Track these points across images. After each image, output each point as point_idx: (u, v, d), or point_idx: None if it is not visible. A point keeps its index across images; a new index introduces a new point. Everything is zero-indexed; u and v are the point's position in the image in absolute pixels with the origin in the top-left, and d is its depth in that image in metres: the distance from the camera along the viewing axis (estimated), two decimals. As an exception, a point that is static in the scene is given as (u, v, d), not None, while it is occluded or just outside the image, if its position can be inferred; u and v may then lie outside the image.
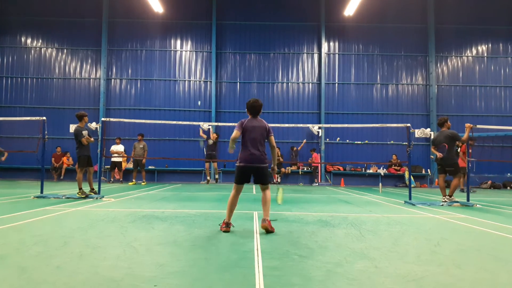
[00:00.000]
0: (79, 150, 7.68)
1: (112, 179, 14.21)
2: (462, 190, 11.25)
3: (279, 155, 14.75)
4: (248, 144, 4.11)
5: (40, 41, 15.96)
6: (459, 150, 10.84)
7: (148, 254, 2.95)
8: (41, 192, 7.73)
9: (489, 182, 14.59)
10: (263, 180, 4.15)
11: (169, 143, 15.56)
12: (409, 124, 7.95)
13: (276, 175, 14.84)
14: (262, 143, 4.19)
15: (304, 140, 15.19)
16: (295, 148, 14.98)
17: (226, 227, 3.96)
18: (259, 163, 4.12)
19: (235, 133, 4.11)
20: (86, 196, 7.42)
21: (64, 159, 14.87)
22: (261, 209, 4.15)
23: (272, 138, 4.30)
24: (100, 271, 2.45)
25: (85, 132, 7.66)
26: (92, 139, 7.86)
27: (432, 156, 7.48)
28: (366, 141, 15.25)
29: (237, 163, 4.15)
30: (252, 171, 4.12)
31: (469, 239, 3.86)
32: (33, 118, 8.17)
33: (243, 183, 4.14)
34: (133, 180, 13.16)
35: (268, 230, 3.89)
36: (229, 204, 4.10)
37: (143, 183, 13.02)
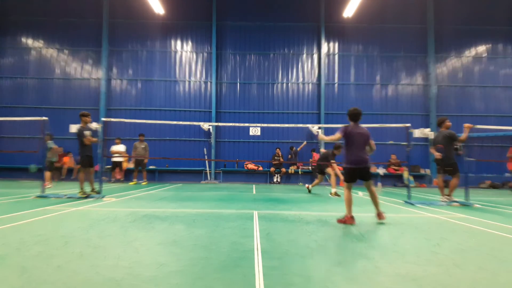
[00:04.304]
0: (82, 150, 7.71)
1: (113, 179, 14.23)
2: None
3: (280, 155, 14.77)
4: (354, 149, 4.76)
5: (41, 41, 15.97)
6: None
7: (149, 254, 2.96)
8: (42, 191, 7.75)
9: (488, 182, 14.62)
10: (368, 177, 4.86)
11: (170, 143, 15.57)
12: (408, 124, 7.96)
13: (276, 175, 14.85)
14: (365, 147, 4.85)
15: (305, 142, 15.21)
16: (294, 149, 14.99)
17: (351, 219, 4.60)
18: (365, 164, 4.79)
19: (337, 136, 4.86)
20: (87, 196, 7.44)
21: (66, 159, 14.87)
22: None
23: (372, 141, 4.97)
24: (101, 271, 2.46)
25: (87, 133, 7.69)
26: (95, 139, 7.90)
27: (439, 155, 7.45)
28: (366, 141, 15.23)
29: (346, 165, 4.82)
30: (359, 171, 4.78)
31: (469, 239, 3.87)
32: (35, 118, 8.18)
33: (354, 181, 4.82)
34: (134, 180, 13.18)
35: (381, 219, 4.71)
36: (347, 201, 4.73)
37: (143, 183, 13.03)
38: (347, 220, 4.59)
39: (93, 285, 2.19)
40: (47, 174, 10.93)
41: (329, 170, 9.46)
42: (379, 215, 4.74)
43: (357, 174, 4.80)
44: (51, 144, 10.94)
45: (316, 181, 9.89)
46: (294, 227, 4.32)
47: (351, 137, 4.75)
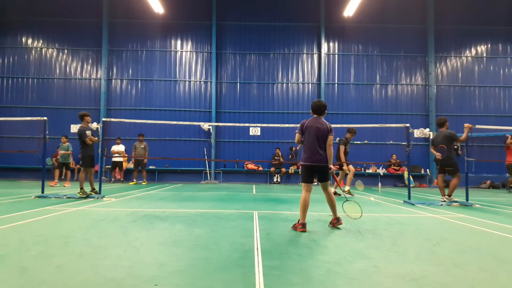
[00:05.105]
0: (83, 150, 7.72)
1: (113, 179, 14.23)
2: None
3: (280, 155, 14.77)
4: (310, 143, 4.27)
5: (41, 41, 15.97)
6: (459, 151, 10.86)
7: (149, 254, 2.96)
8: (42, 192, 7.76)
9: (488, 182, 14.62)
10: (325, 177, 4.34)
11: (170, 143, 15.57)
12: (408, 124, 7.96)
13: (276, 175, 14.85)
14: (324, 143, 4.31)
15: (302, 139, 15.19)
16: (294, 148, 14.99)
17: (303, 227, 4.06)
18: (321, 163, 4.26)
19: (297, 136, 4.44)
20: (87, 196, 7.44)
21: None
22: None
23: (331, 137, 4.32)
24: (101, 271, 2.46)
25: (88, 132, 7.69)
26: (96, 138, 7.90)
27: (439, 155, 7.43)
28: (366, 141, 15.25)
29: (302, 162, 4.32)
30: (316, 169, 4.30)
31: (469, 239, 3.87)
32: (35, 118, 8.19)
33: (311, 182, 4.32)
34: (134, 180, 13.18)
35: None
36: (302, 205, 4.19)
37: (143, 183, 13.04)
38: (298, 227, 4.08)
39: (93, 285, 2.19)
40: (69, 173, 12.17)
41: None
42: (335, 221, 4.32)
43: (314, 173, 4.30)
44: (70, 146, 11.96)
45: (340, 176, 9.13)
46: (294, 227, 4.32)
47: (306, 130, 4.29)
